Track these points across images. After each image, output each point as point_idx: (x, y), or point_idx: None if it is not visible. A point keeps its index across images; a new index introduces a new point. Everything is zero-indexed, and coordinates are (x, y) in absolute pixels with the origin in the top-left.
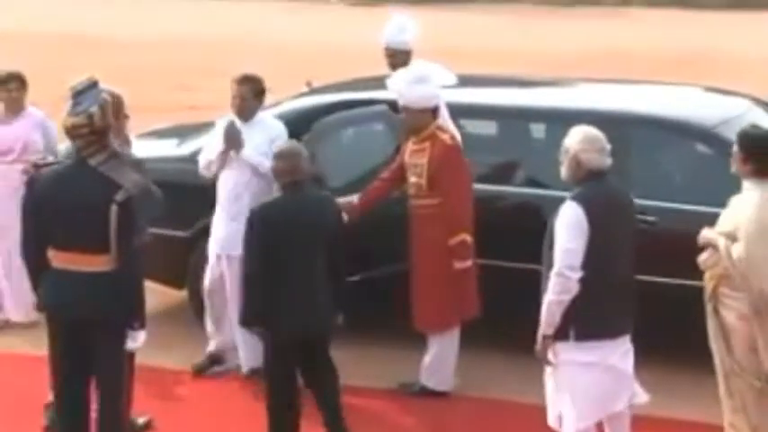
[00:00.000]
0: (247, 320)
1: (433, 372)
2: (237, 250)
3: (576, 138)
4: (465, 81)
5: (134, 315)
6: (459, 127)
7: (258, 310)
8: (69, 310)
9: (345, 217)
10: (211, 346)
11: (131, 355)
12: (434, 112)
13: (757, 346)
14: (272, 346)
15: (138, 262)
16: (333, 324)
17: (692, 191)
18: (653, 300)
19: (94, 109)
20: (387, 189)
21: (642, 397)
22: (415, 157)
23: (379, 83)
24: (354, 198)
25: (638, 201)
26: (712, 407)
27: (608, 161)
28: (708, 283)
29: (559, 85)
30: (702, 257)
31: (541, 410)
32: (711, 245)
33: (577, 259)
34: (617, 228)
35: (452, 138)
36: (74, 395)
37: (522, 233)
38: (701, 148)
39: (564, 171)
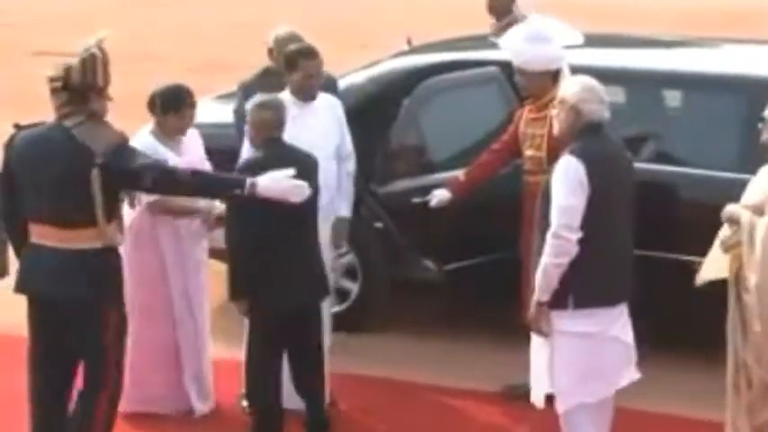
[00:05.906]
0: (236, 295)
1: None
2: None
3: (574, 88)
4: (593, 41)
5: (113, 297)
6: None
7: (246, 285)
8: (42, 291)
9: (449, 194)
10: None
11: (120, 343)
12: (555, 75)
13: None
14: (258, 323)
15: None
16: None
17: None
18: None
19: (74, 61)
20: (497, 163)
21: (635, 374)
22: (533, 127)
23: (489, 41)
24: (459, 173)
25: None
26: None
27: (607, 114)
28: (731, 265)
29: (700, 46)
30: (723, 235)
31: (668, 419)
32: (734, 221)
33: (576, 218)
34: (617, 187)
35: None
36: (49, 392)
37: (652, 215)
38: None
39: (558, 124)
